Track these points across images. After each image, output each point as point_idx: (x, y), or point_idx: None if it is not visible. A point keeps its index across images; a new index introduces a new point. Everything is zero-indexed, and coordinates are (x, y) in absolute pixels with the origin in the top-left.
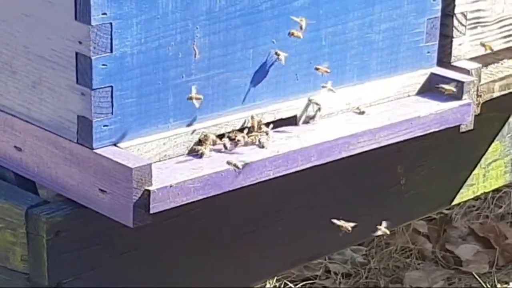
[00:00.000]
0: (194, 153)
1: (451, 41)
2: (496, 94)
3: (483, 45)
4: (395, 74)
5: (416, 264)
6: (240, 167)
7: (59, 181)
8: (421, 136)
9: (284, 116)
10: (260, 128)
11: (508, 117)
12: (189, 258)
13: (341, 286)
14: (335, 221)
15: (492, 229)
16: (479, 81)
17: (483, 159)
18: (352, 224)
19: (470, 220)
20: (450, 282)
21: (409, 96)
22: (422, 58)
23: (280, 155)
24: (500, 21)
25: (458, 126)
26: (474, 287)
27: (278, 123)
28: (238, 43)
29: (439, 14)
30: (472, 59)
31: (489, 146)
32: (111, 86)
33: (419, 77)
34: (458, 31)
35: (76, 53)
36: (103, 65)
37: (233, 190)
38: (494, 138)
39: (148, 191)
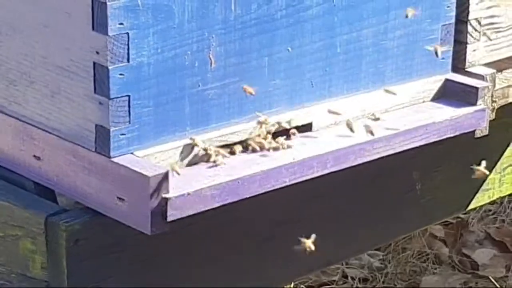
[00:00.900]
0: (210, 161)
1: (466, 47)
2: (511, 99)
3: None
4: (410, 81)
5: (433, 269)
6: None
7: (77, 189)
8: (436, 141)
9: (299, 123)
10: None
11: None
12: (207, 264)
13: None
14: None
15: (508, 233)
16: (494, 86)
17: (498, 164)
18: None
19: (487, 224)
20: (467, 286)
21: (424, 102)
22: (437, 65)
23: (296, 162)
24: None
25: (473, 131)
26: None
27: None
28: (254, 52)
29: (453, 20)
30: (486, 64)
31: (504, 151)
32: (128, 95)
33: (434, 83)
34: (472, 37)
35: (94, 63)
36: (120, 74)
37: (250, 197)
38: (510, 143)
39: (166, 199)
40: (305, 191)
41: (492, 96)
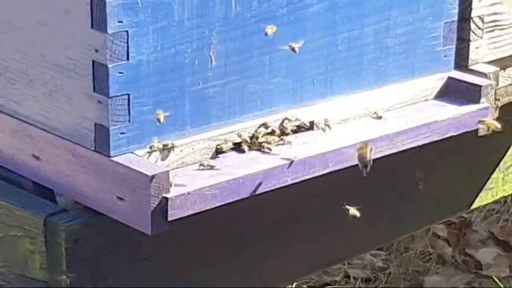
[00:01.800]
0: (211, 159)
1: (468, 45)
2: None
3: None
4: (412, 79)
5: (436, 269)
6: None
7: (77, 189)
8: (439, 140)
9: (301, 122)
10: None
11: None
12: (207, 264)
13: None
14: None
15: None
16: (497, 84)
17: (502, 162)
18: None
19: (490, 224)
20: (470, 286)
21: (426, 100)
22: (439, 62)
23: (297, 161)
24: None
25: (477, 130)
26: None
27: (296, 129)
28: (254, 50)
29: (456, 17)
30: (489, 62)
31: (507, 149)
32: (128, 94)
33: (437, 81)
34: (475, 34)
35: (93, 61)
36: (120, 73)
37: (251, 196)
38: None
39: (166, 198)
40: (307, 190)
41: (495, 94)
